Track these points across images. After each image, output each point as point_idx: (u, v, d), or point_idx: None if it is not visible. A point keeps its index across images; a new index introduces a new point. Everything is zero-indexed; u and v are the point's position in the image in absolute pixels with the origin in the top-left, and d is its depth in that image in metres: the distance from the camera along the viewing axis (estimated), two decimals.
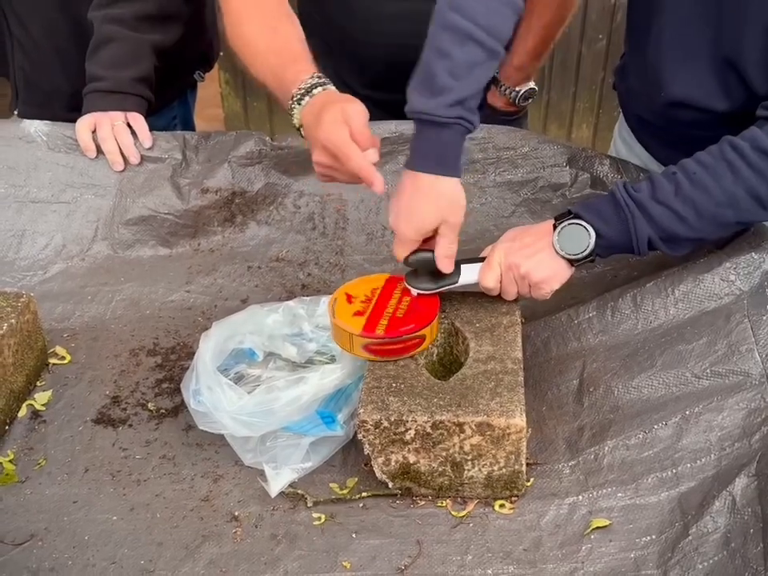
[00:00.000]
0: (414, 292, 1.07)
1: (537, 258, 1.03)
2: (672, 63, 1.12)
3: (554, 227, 1.04)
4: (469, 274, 1.07)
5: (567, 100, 3.21)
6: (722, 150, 0.99)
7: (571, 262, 1.04)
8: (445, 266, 1.04)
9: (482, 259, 1.07)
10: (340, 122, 1.03)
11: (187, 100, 1.79)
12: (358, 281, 1.10)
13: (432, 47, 1.01)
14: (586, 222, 1.02)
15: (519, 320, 1.09)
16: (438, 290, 1.07)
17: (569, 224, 1.03)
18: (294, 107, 1.11)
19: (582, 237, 1.02)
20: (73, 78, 1.49)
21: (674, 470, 0.95)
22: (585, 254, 1.02)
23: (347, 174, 1.07)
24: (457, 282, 1.07)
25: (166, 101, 1.65)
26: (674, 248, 1.04)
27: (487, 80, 1.03)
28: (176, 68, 1.56)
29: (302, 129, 1.13)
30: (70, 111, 1.45)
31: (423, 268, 1.06)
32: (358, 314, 1.03)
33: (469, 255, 1.10)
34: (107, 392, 1.15)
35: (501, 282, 1.06)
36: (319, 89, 1.11)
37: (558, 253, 1.03)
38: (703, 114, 1.12)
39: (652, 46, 1.15)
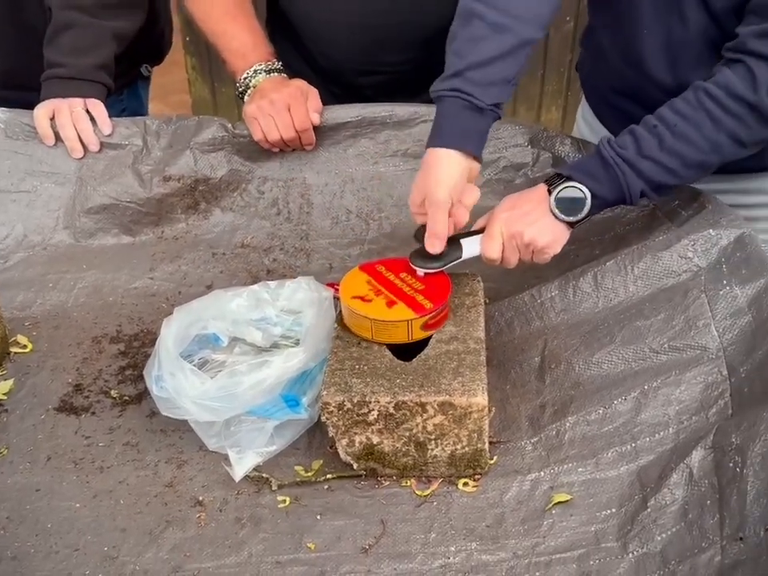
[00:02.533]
0: (420, 272, 1.06)
1: (539, 224, 1.04)
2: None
3: (549, 192, 1.04)
4: (470, 248, 1.07)
5: (536, 83, 3.21)
6: (699, 99, 1.00)
7: (571, 224, 1.05)
8: (431, 245, 1.04)
9: (480, 231, 1.07)
10: (304, 89, 1.32)
11: (138, 92, 1.75)
12: (343, 286, 1.06)
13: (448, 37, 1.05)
14: (580, 183, 1.03)
15: (482, 300, 1.09)
16: (443, 268, 1.06)
17: (563, 188, 1.03)
18: (259, 74, 1.34)
19: (579, 199, 1.03)
20: (6, 54, 1.45)
21: (634, 444, 0.97)
22: (583, 215, 1.04)
23: (285, 123, 1.29)
24: (461, 258, 1.07)
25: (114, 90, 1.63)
26: (662, 194, 1.08)
27: (499, 53, 1.03)
28: (126, 57, 1.53)
29: (249, 89, 1.34)
30: (2, 89, 1.42)
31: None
32: (390, 303, 1.02)
33: None
34: (69, 380, 1.14)
35: (503, 252, 1.06)
36: (282, 74, 1.35)
37: (557, 217, 1.04)
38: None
39: None
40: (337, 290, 1.18)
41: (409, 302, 1.02)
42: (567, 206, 1.03)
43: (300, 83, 1.33)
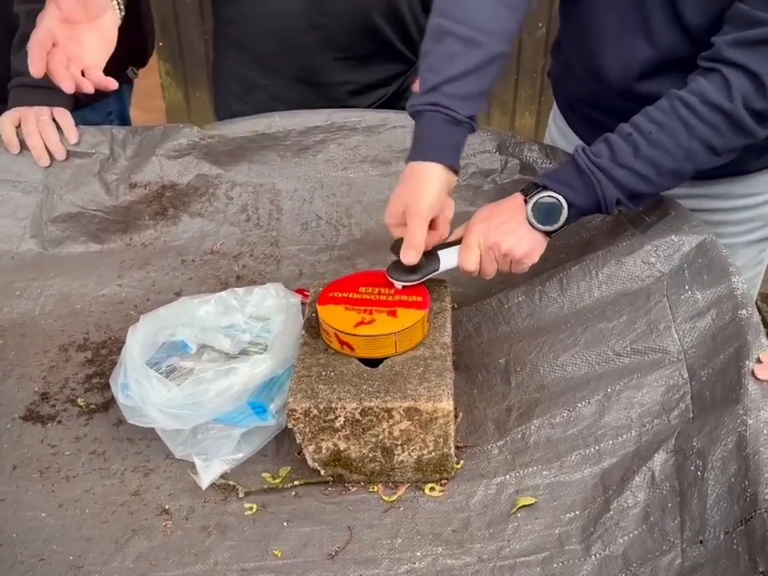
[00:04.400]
0: (398, 285, 1.06)
1: (516, 234, 1.04)
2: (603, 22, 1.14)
3: (525, 202, 1.05)
4: (448, 260, 1.07)
5: (509, 88, 3.24)
6: (674, 107, 1.01)
7: (548, 233, 1.05)
8: (406, 256, 1.03)
9: (457, 243, 1.07)
10: None
11: (123, 96, 1.75)
12: (334, 324, 1.01)
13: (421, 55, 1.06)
14: (555, 192, 1.03)
15: (449, 305, 1.10)
16: (420, 281, 1.06)
17: (539, 197, 1.04)
18: None
19: (555, 208, 1.03)
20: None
21: (597, 447, 0.98)
22: (560, 224, 1.04)
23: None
24: (438, 270, 1.07)
25: (99, 95, 1.62)
26: (638, 203, 1.09)
27: (473, 67, 1.03)
28: (112, 61, 1.52)
29: None
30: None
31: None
32: (392, 314, 1.02)
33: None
34: (36, 388, 1.13)
35: (480, 263, 1.06)
36: None
37: (534, 227, 1.04)
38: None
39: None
40: (306, 296, 1.18)
41: (404, 305, 1.03)
42: (543, 215, 1.04)
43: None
